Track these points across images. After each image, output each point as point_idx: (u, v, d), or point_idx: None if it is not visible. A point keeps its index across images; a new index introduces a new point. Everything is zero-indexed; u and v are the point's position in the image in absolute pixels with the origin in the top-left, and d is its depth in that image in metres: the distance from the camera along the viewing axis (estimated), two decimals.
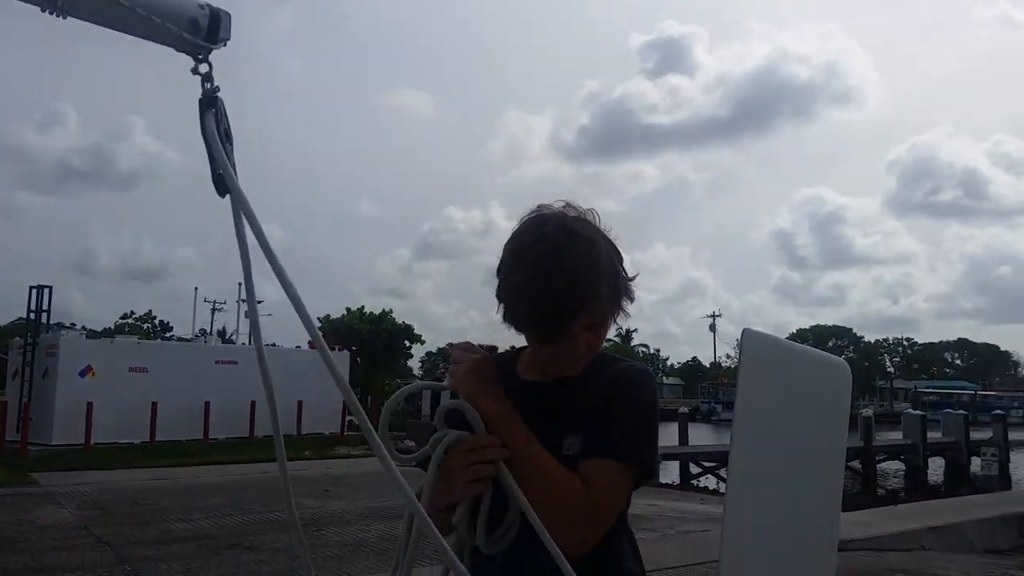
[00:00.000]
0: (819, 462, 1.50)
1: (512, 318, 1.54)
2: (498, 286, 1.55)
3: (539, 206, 1.59)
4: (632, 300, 1.61)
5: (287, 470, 1.38)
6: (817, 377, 1.49)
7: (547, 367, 1.62)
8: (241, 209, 1.22)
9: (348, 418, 25.63)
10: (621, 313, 1.60)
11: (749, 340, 1.34)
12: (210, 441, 21.02)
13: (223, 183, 1.23)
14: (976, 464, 28.28)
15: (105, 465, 16.13)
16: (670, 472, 25.23)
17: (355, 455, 19.42)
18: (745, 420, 1.34)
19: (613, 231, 1.60)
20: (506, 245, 1.57)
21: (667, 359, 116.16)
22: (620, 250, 1.60)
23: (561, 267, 1.48)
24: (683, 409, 34.95)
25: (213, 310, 62.75)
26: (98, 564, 7.82)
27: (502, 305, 1.55)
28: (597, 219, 1.59)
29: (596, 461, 1.49)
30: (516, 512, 1.46)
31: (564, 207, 1.57)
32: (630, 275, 1.61)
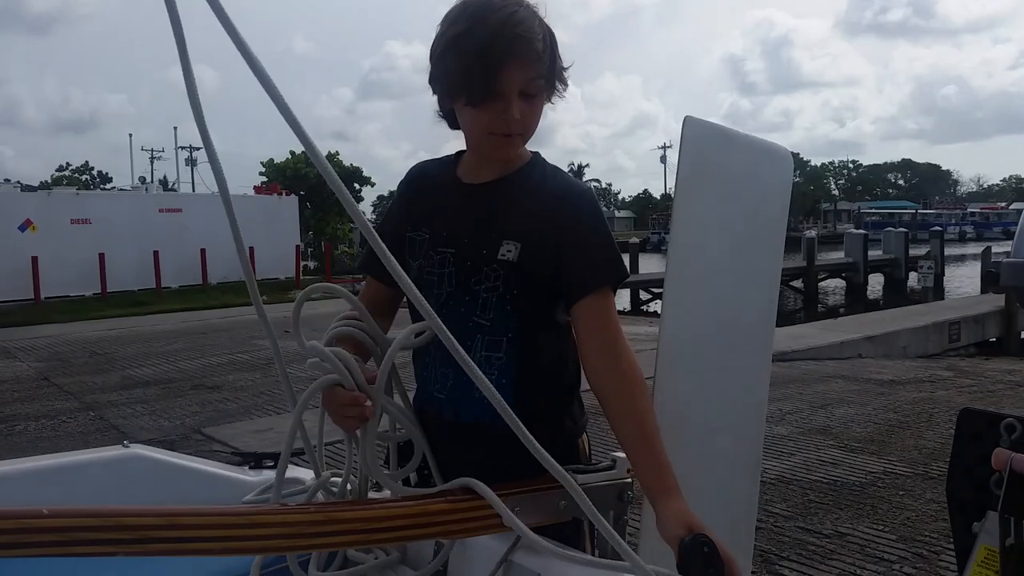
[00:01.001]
0: (759, 252, 1.51)
1: (444, 76, 1.50)
2: (430, 70, 1.52)
3: None
4: (566, 87, 1.55)
5: (261, 303, 1.33)
6: (759, 165, 1.47)
7: (483, 148, 1.58)
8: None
9: (303, 263, 25.66)
10: (556, 94, 1.55)
11: (690, 129, 1.30)
12: (163, 290, 20.92)
13: None
14: (914, 279, 29.60)
15: (59, 318, 16.00)
16: (621, 299, 26.02)
17: (312, 298, 19.50)
18: (685, 209, 1.33)
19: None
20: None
21: (619, 193, 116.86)
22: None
23: (498, 13, 1.43)
24: (634, 240, 35.56)
25: (152, 159, 60.71)
26: (61, 412, 7.91)
27: (437, 85, 1.53)
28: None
29: (597, 297, 1.51)
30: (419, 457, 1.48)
31: None
32: (565, 64, 1.55)
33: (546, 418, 1.57)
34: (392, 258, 1.14)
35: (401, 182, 1.74)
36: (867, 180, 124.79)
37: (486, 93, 1.45)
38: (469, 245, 1.56)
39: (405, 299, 1.38)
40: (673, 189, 1.61)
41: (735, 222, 1.46)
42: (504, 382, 1.55)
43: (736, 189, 1.42)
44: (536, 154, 1.64)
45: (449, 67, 1.48)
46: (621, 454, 1.47)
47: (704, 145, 1.36)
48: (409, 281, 1.17)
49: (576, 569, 1.27)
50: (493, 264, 1.54)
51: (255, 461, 1.90)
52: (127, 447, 1.79)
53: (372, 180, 35.95)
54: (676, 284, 1.36)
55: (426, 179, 1.70)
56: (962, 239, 62.72)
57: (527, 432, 1.16)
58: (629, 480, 1.44)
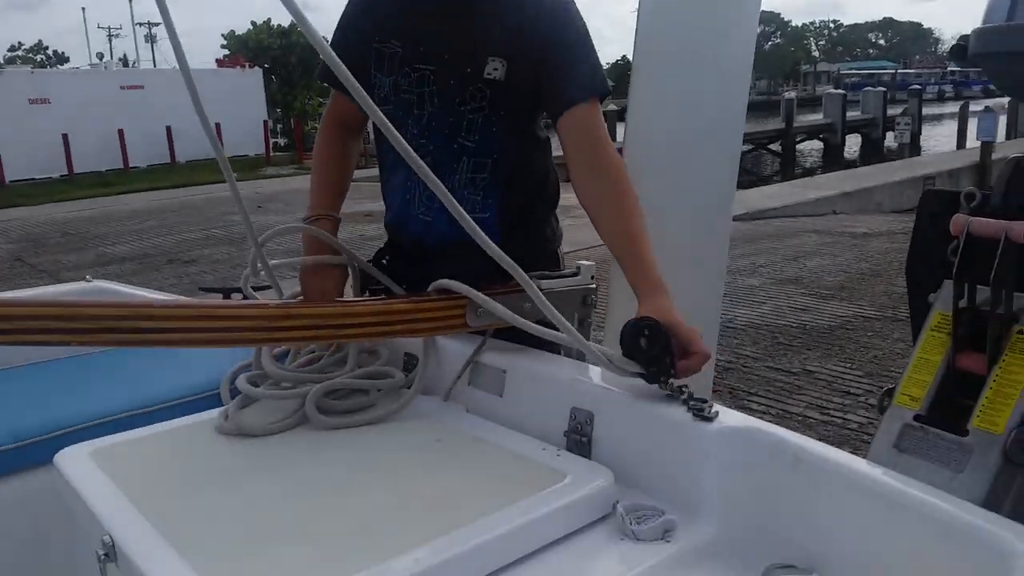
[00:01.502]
0: (724, 78, 1.49)
1: None
2: None
3: None
4: None
5: (232, 175, 1.28)
6: None
7: None
8: None
9: (273, 140, 25.09)
10: None
11: None
12: (131, 169, 20.52)
13: None
14: (891, 138, 29.45)
15: (26, 201, 15.72)
16: None
17: (284, 174, 19.28)
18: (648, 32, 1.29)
19: None
20: None
21: None
22: None
23: None
24: (612, 107, 34.93)
25: (109, 36, 58.04)
26: None
27: None
28: None
29: (586, 108, 1.48)
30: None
31: None
32: None
33: (528, 230, 1.59)
34: (358, 86, 1.04)
35: None
36: (848, 40, 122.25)
37: None
38: (450, 63, 1.51)
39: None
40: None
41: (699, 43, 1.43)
42: (490, 201, 1.55)
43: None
44: None
45: None
46: (586, 262, 1.49)
47: None
48: (379, 113, 1.06)
49: (539, 364, 1.31)
50: (479, 84, 1.50)
51: (224, 295, 1.91)
52: (90, 281, 1.79)
53: None
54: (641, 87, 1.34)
55: None
56: (941, 98, 62.11)
57: (492, 244, 1.15)
58: (593, 286, 1.46)
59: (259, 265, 1.40)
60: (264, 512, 1.02)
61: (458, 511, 0.99)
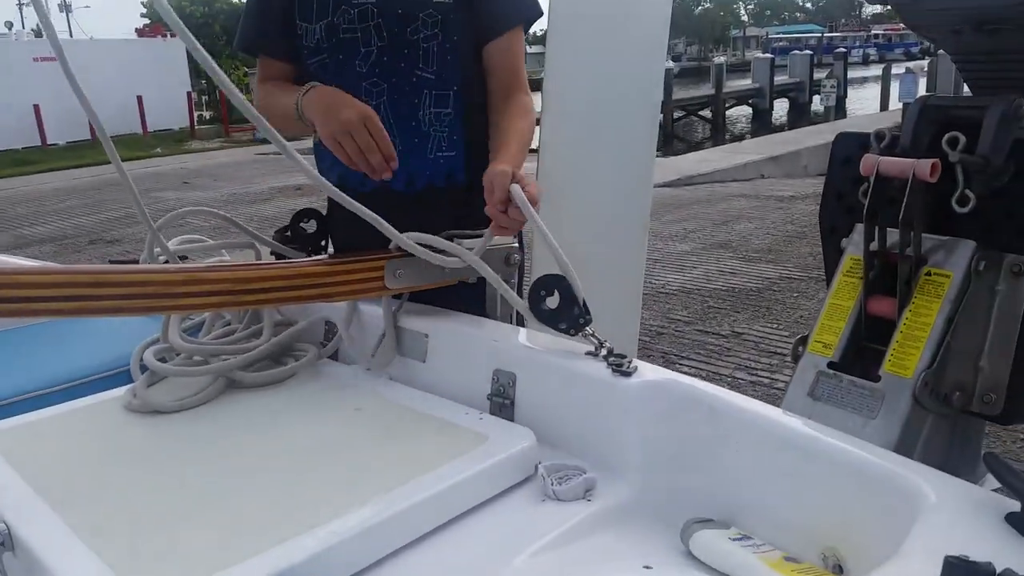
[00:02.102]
0: (641, 24, 1.47)
1: None
2: None
3: None
4: None
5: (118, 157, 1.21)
6: None
7: None
8: None
9: (198, 112, 24.31)
10: None
11: None
12: (50, 147, 19.66)
13: None
14: (817, 102, 30.07)
15: None
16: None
17: (210, 148, 18.73)
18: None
19: None
20: None
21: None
22: None
23: None
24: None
25: (19, 4, 55.24)
26: None
27: None
28: None
29: (511, 38, 1.51)
30: None
31: None
32: None
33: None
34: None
35: None
36: (776, 4, 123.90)
37: None
38: None
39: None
40: None
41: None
42: (455, 138, 1.53)
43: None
44: None
45: None
46: None
47: None
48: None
49: (461, 327, 1.28)
50: (429, 8, 1.46)
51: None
52: None
53: None
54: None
55: None
56: (866, 62, 63.64)
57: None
58: (516, 245, 1.44)
59: (157, 250, 1.34)
60: (172, 492, 0.98)
61: (377, 480, 0.96)
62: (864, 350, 1.42)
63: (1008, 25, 1.49)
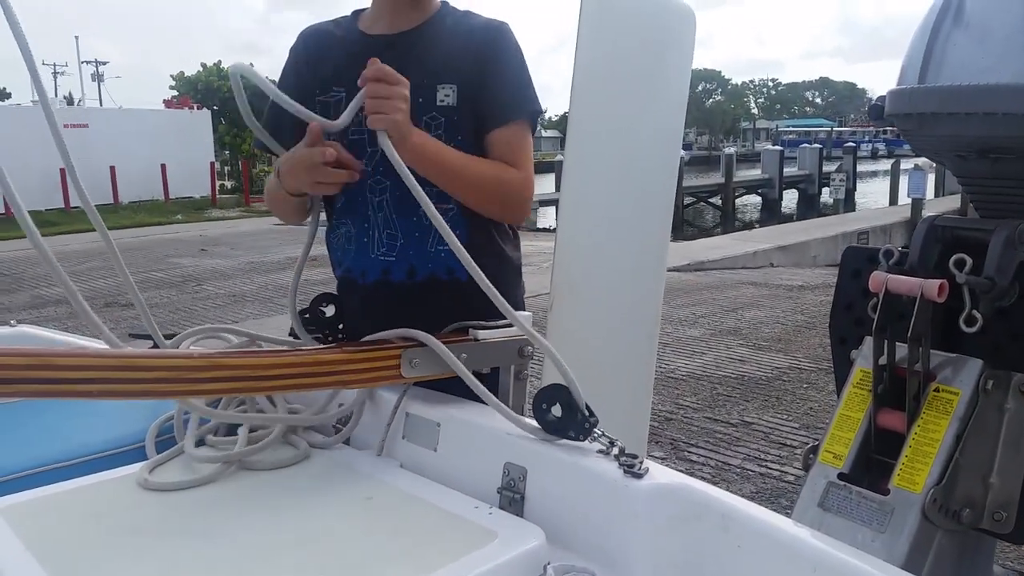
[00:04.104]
0: (659, 113, 1.53)
1: None
2: None
3: None
4: None
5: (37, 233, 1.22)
6: (659, 20, 1.48)
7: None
8: None
9: (220, 182, 24.80)
10: None
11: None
12: (73, 209, 20.01)
13: None
14: (826, 194, 30.46)
15: None
16: (548, 218, 26.06)
17: (231, 217, 19.07)
18: (586, 68, 1.32)
19: None
20: None
21: (546, 111, 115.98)
22: None
23: None
24: (560, 158, 35.51)
25: (54, 74, 57.11)
26: None
27: None
28: None
29: (513, 128, 1.55)
30: None
31: None
32: None
33: (493, 252, 1.62)
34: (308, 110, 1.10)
35: (294, 46, 1.67)
36: (786, 98, 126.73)
37: None
38: None
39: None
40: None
41: (635, 84, 1.47)
42: (458, 232, 1.55)
43: (637, 47, 1.43)
44: (444, 2, 1.62)
45: None
46: (525, 312, 1.49)
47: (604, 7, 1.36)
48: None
49: (473, 417, 1.29)
50: (432, 112, 1.52)
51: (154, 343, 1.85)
52: (14, 326, 1.72)
53: None
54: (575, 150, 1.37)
55: (325, 37, 1.63)
56: (874, 156, 64.65)
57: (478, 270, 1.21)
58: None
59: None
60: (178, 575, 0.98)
61: None
62: (874, 461, 1.42)
63: (1010, 155, 1.53)
